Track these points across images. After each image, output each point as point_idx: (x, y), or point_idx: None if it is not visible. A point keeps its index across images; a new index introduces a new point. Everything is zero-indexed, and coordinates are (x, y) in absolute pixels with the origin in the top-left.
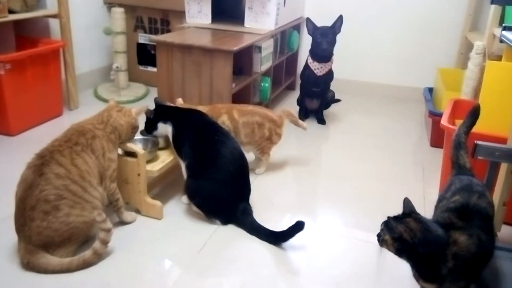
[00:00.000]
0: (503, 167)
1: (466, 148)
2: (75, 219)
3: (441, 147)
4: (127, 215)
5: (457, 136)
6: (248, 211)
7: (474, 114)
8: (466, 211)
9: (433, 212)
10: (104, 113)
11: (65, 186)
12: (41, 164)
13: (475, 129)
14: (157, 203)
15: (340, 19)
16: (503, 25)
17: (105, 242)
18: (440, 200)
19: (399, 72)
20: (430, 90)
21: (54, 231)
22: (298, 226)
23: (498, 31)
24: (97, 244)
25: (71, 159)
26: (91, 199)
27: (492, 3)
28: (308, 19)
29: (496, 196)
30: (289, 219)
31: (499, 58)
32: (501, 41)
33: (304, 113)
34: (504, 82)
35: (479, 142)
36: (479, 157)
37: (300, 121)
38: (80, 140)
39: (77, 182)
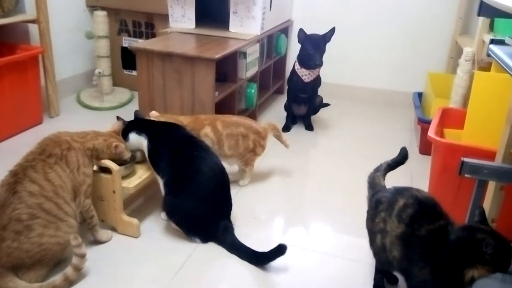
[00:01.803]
0: (491, 184)
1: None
2: (48, 240)
3: (430, 155)
4: (102, 233)
5: (370, 179)
6: (229, 229)
7: (401, 157)
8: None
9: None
10: (91, 132)
11: (39, 205)
12: (14, 182)
13: (464, 141)
14: (134, 220)
15: (332, 30)
16: (490, 38)
17: (78, 269)
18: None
19: (389, 76)
20: (420, 94)
21: (25, 252)
22: (279, 250)
23: (487, 38)
24: (69, 270)
25: (44, 174)
26: (66, 217)
27: (479, 15)
28: (301, 30)
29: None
30: (272, 235)
31: (488, 64)
32: (488, 55)
33: (292, 119)
34: (492, 93)
35: (466, 159)
36: (465, 175)
37: (284, 138)
38: (55, 151)
39: (51, 198)
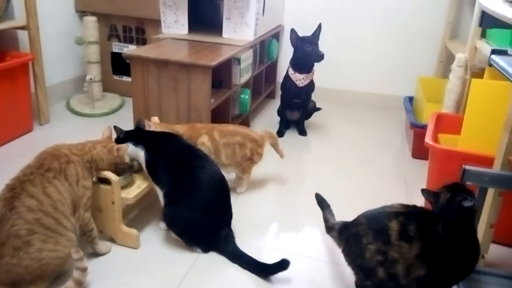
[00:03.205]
0: (490, 189)
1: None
2: (48, 255)
3: (423, 159)
4: (102, 245)
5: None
6: (230, 237)
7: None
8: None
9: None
10: (88, 143)
11: (37, 220)
12: (11, 197)
13: (460, 147)
14: (133, 231)
15: (319, 27)
16: (492, 48)
17: (79, 283)
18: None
19: (379, 80)
20: (410, 99)
21: (24, 268)
22: (282, 265)
23: (480, 44)
24: (70, 284)
25: (42, 188)
26: (65, 231)
27: (480, 25)
28: (292, 31)
29: (484, 218)
30: (273, 243)
31: (481, 70)
32: (490, 65)
33: (285, 124)
34: (489, 100)
35: (468, 167)
36: (467, 183)
37: (281, 147)
38: (53, 165)
39: (50, 214)
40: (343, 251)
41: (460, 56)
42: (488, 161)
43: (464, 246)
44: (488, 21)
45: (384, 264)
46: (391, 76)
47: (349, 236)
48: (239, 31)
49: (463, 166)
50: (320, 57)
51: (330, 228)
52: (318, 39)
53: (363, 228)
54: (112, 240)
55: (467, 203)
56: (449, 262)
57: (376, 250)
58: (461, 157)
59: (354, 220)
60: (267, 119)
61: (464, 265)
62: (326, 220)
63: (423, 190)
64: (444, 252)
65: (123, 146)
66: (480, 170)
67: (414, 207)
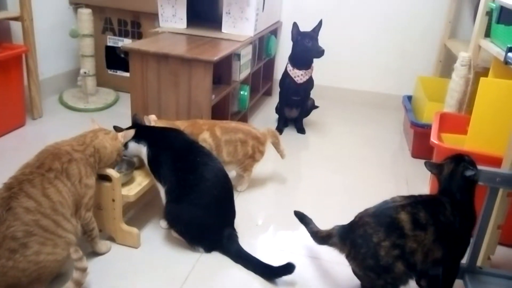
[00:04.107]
0: (499, 190)
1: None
2: (45, 258)
3: (423, 159)
4: (102, 245)
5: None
6: (233, 237)
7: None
8: None
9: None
10: (89, 133)
11: (35, 222)
12: (8, 197)
13: (467, 146)
14: (134, 230)
15: (319, 23)
16: (508, 46)
17: (79, 284)
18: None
19: (377, 78)
20: (409, 98)
21: (21, 271)
22: (287, 269)
23: (484, 43)
24: (69, 285)
25: (42, 189)
26: (64, 233)
27: (498, 22)
28: (294, 25)
29: (491, 219)
30: (276, 243)
31: (484, 69)
32: (506, 62)
33: (284, 122)
34: (498, 99)
35: (480, 167)
36: (479, 183)
37: (282, 147)
38: (54, 165)
39: (49, 216)
40: (348, 256)
41: (464, 55)
42: (496, 161)
43: (469, 219)
44: (507, 17)
45: (403, 257)
46: (389, 74)
47: (356, 238)
48: (239, 26)
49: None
50: (320, 53)
51: (325, 237)
52: (317, 35)
53: (372, 227)
54: (111, 239)
55: (469, 172)
56: (459, 238)
57: (391, 245)
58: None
59: (357, 221)
60: (265, 116)
61: (468, 237)
62: (315, 232)
63: (426, 163)
64: (455, 229)
65: (129, 132)
66: (491, 170)
67: (414, 196)
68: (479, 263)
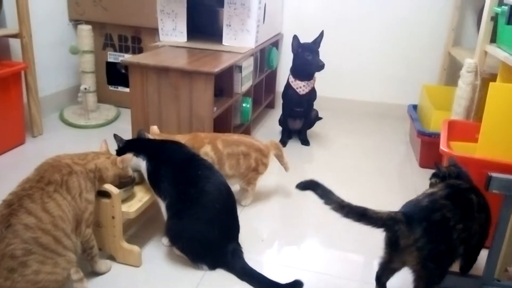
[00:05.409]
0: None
1: None
2: (45, 277)
3: (431, 168)
4: (101, 264)
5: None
6: (238, 253)
7: None
8: None
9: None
10: (91, 153)
11: (35, 239)
12: (8, 214)
13: (478, 154)
14: (135, 248)
15: (321, 35)
16: None
17: None
18: None
19: (381, 88)
20: (414, 107)
21: None
22: (295, 286)
23: (490, 48)
24: None
25: (42, 204)
26: (64, 252)
27: (508, 23)
28: (294, 37)
29: (508, 229)
30: (282, 259)
31: (491, 76)
32: None
33: (288, 134)
34: (508, 104)
35: (494, 175)
36: (493, 191)
37: (286, 160)
38: (54, 178)
39: (49, 232)
40: (416, 244)
41: (470, 62)
42: (508, 169)
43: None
44: None
45: (468, 240)
46: (393, 84)
47: (432, 224)
48: (240, 38)
49: (488, 173)
50: (320, 67)
51: (384, 219)
52: (319, 46)
53: (449, 209)
54: (112, 258)
55: None
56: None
57: (463, 228)
58: (480, 164)
59: (432, 205)
60: (268, 129)
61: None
62: (374, 214)
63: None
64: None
65: (126, 157)
66: (507, 177)
67: (459, 183)
68: (496, 275)
